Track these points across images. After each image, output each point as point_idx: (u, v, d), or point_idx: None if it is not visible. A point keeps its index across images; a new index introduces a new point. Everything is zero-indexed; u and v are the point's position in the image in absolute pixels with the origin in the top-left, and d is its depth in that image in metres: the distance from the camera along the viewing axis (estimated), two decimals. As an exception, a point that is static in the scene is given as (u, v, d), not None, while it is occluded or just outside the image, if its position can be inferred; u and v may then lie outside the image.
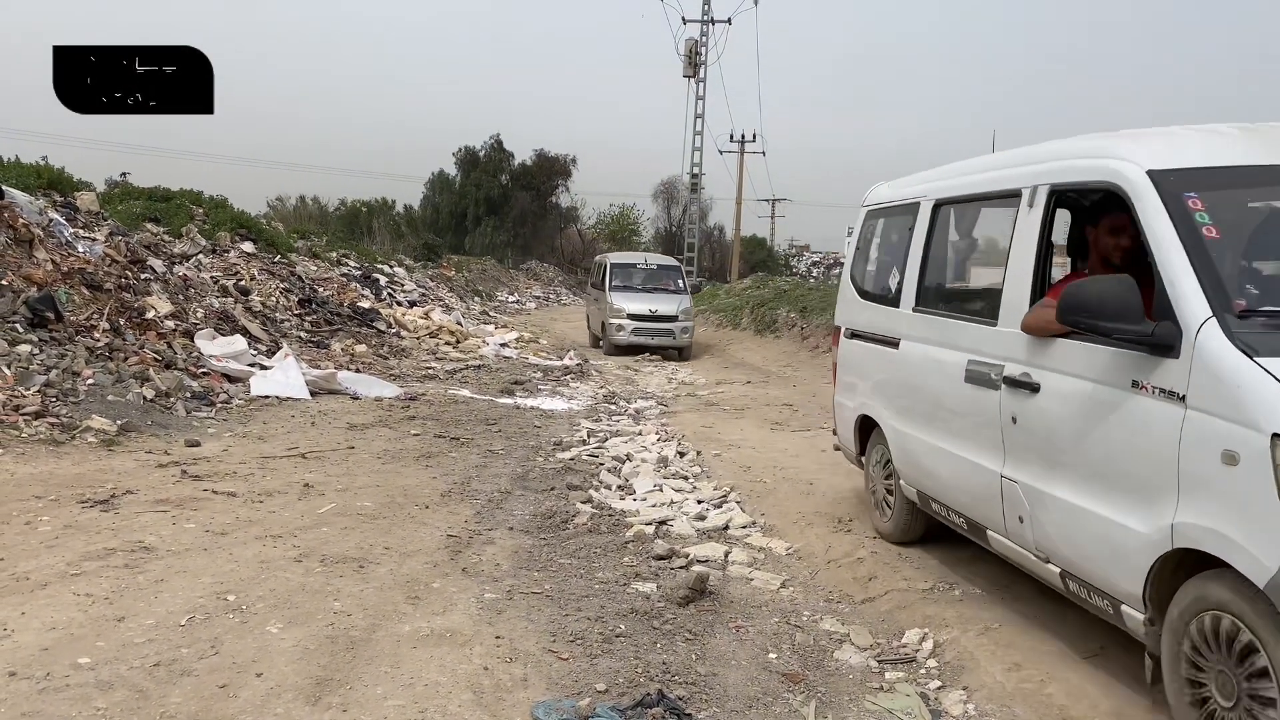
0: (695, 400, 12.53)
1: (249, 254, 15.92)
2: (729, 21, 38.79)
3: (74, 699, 3.28)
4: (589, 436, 9.17)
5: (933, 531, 5.36)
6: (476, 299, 30.38)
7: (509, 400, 11.28)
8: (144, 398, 8.41)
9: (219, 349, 10.59)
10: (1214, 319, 2.94)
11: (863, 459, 5.99)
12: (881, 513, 5.72)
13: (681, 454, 8.47)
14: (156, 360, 9.39)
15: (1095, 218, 3.99)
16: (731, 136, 44.26)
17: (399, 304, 20.22)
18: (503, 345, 17.12)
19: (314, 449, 7.72)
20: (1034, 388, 3.78)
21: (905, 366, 5.13)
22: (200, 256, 14.59)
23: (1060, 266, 4.73)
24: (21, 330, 8.57)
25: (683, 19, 39.69)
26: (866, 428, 5.82)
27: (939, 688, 3.88)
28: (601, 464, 7.91)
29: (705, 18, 38.59)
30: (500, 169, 51.04)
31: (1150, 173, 3.31)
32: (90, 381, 8.27)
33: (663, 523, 6.17)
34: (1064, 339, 3.63)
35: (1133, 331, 3.12)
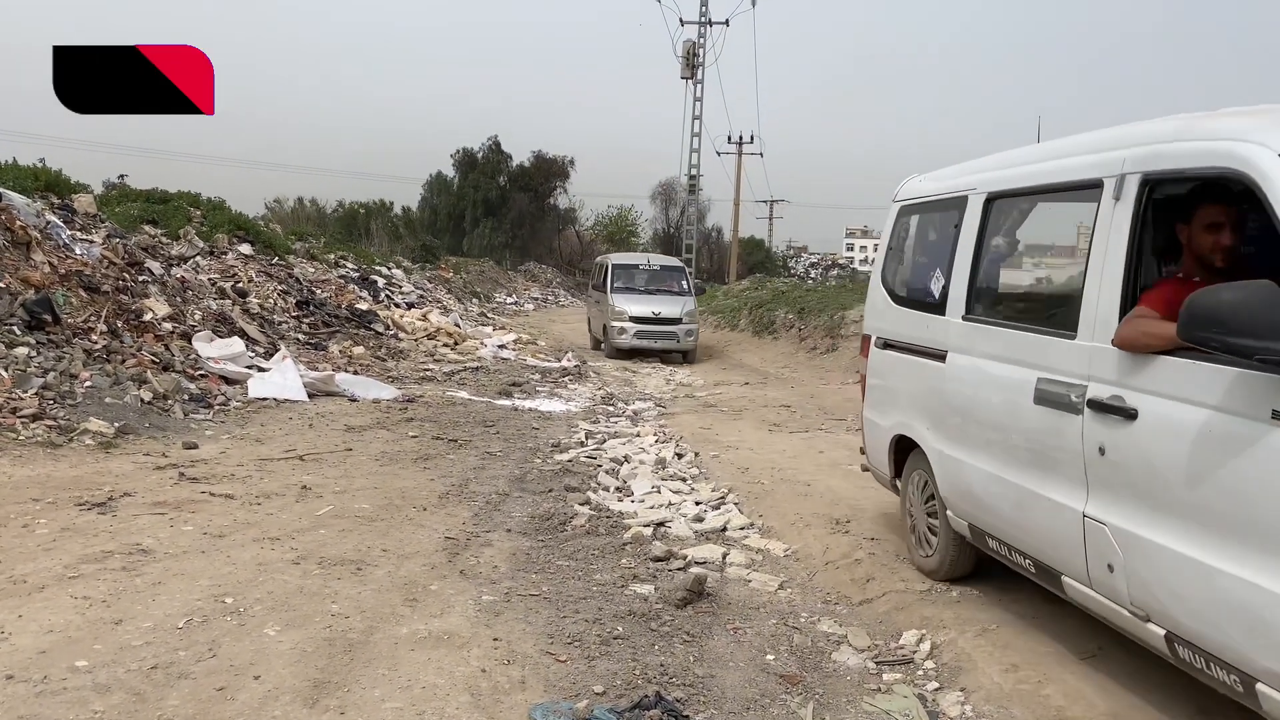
0: (693, 402, 12.54)
1: (247, 256, 15.91)
2: (726, 23, 38.67)
3: (71, 702, 3.28)
4: (587, 438, 9.17)
5: (984, 566, 4.77)
6: (474, 300, 30.37)
7: (507, 402, 11.28)
8: (141, 400, 8.40)
9: (217, 351, 10.59)
10: None
11: (898, 483, 5.35)
12: (922, 546, 5.06)
13: (679, 455, 8.48)
14: (154, 362, 9.39)
15: (1187, 212, 3.36)
16: (729, 138, 44.45)
17: (397, 306, 20.21)
18: (501, 347, 17.13)
19: (312, 451, 7.71)
20: (1129, 414, 3.19)
21: (954, 383, 4.50)
22: (198, 258, 14.58)
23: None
24: (19, 333, 8.56)
25: (680, 20, 39.67)
26: (903, 449, 5.19)
27: (936, 689, 3.89)
28: (599, 465, 7.91)
29: (703, 19, 38.56)
30: (498, 170, 51.06)
31: None
32: (88, 384, 8.26)
33: (661, 524, 6.17)
34: (1169, 356, 3.06)
35: None
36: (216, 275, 14.27)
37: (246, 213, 20.14)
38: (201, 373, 9.95)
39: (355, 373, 11.95)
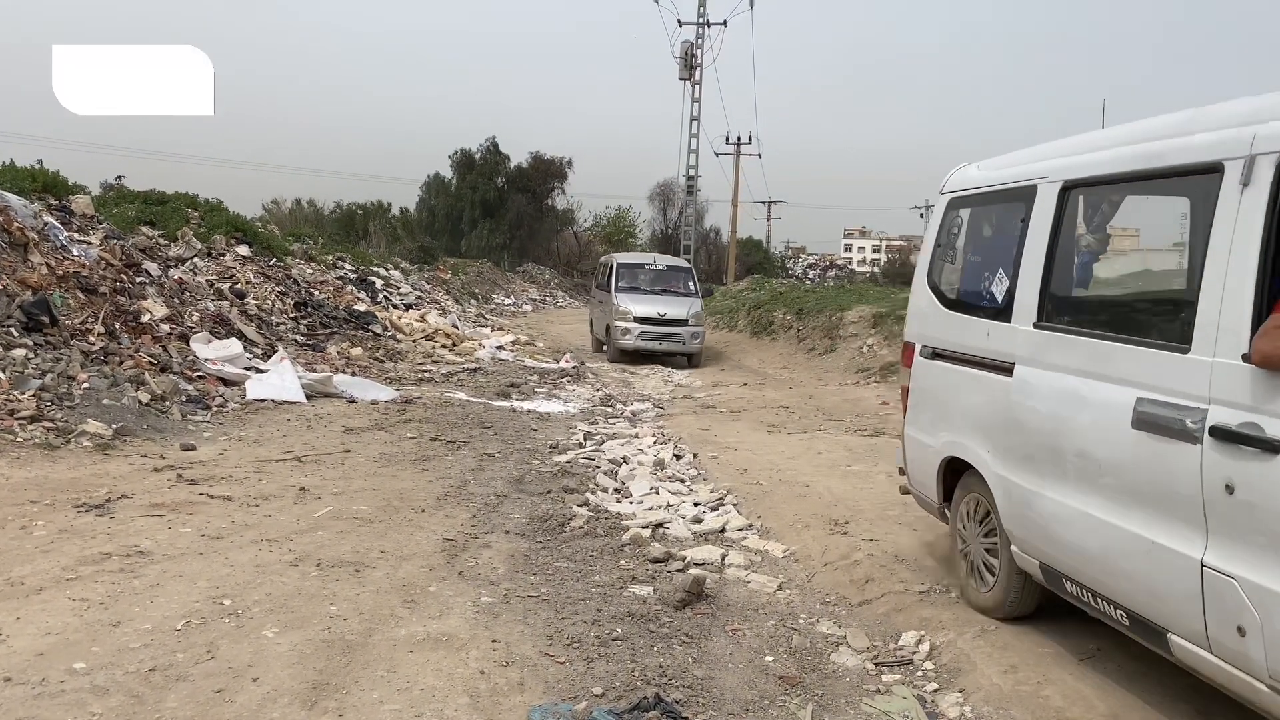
0: (692, 403, 12.54)
1: (244, 257, 15.90)
2: (724, 24, 38.69)
3: (69, 704, 3.27)
4: (585, 439, 9.16)
5: (1050, 603, 4.25)
6: (472, 301, 30.37)
7: (505, 403, 11.27)
8: (139, 401, 8.39)
9: (214, 352, 10.58)
10: None
11: (946, 510, 4.84)
12: (978, 581, 4.53)
13: (678, 456, 8.48)
14: (152, 364, 9.37)
15: None
16: (727, 139, 44.49)
17: (395, 307, 20.21)
18: (499, 348, 17.12)
19: (310, 452, 7.70)
20: (1271, 446, 2.69)
21: (1025, 400, 3.97)
22: (195, 260, 14.57)
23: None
24: (16, 334, 8.55)
25: (678, 21, 39.56)
26: (954, 471, 4.68)
27: (936, 690, 3.89)
28: (598, 467, 7.91)
29: (701, 20, 38.58)
30: (496, 172, 51.06)
31: None
32: (85, 385, 8.25)
33: (659, 525, 6.16)
34: None
35: None
36: (214, 276, 14.27)
37: (244, 214, 20.20)
38: (199, 374, 9.94)
39: (353, 374, 11.95)
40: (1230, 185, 2.98)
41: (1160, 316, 3.61)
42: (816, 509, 6.51)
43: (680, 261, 21.92)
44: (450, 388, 12.17)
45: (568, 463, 7.99)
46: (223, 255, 15.51)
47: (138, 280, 11.56)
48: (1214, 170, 3.06)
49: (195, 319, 11.63)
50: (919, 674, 4.05)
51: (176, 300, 11.85)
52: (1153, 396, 3.15)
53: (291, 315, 14.45)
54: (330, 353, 13.26)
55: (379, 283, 22.34)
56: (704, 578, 4.90)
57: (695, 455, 8.53)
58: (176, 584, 4.50)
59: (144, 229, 14.99)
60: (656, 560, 5.37)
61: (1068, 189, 3.93)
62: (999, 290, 4.32)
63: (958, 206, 5.02)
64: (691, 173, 39.15)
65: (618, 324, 17.26)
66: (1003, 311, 4.22)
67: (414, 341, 16.19)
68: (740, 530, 6.20)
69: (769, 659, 4.14)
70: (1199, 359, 3.00)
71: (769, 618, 4.66)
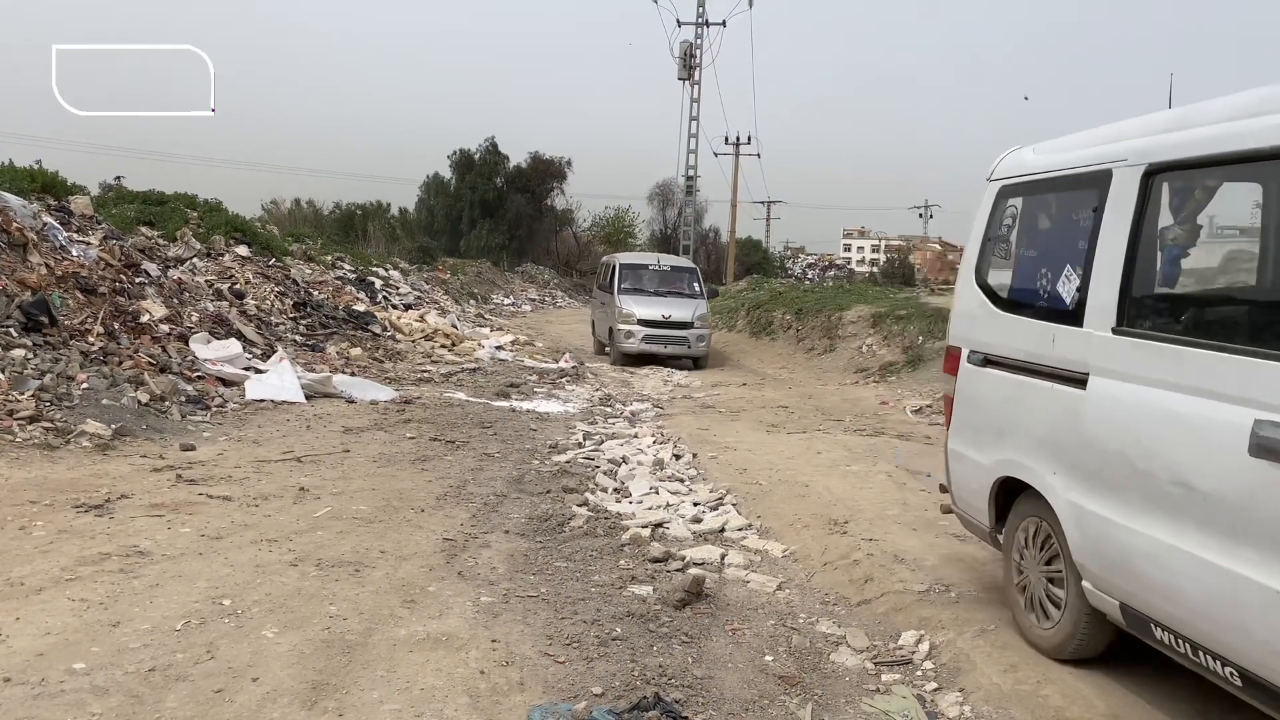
0: (691, 402, 12.54)
1: (244, 257, 15.90)
2: (723, 24, 38.68)
3: (69, 704, 3.27)
4: (585, 439, 9.16)
5: (1124, 644, 3.78)
6: (472, 302, 30.35)
7: (505, 403, 11.27)
8: (139, 402, 8.39)
9: (214, 353, 10.57)
10: None
11: (999, 534, 4.39)
12: (1038, 616, 4.05)
13: (677, 456, 8.48)
14: (151, 364, 9.37)
15: None
16: (726, 139, 44.46)
17: (394, 307, 20.20)
18: (498, 348, 17.10)
19: (309, 453, 7.70)
20: None
21: (1103, 418, 3.49)
22: (195, 260, 14.57)
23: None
24: (15, 334, 8.55)
25: (677, 21, 39.54)
26: (1009, 491, 4.24)
27: (935, 690, 3.89)
28: (597, 467, 7.91)
29: (700, 20, 38.59)
30: (495, 172, 51.02)
31: None
32: (85, 386, 8.24)
33: (659, 525, 6.17)
34: None
35: None
36: (213, 277, 14.27)
37: (243, 214, 20.18)
38: (199, 374, 9.94)
39: (352, 374, 11.95)
40: None
41: None
42: (816, 509, 6.51)
43: (685, 262, 21.34)
44: (449, 388, 12.18)
45: (567, 462, 7.99)
46: (222, 255, 15.51)
47: (137, 280, 11.56)
48: None
49: (194, 319, 11.63)
50: (918, 673, 4.05)
51: (176, 300, 11.84)
52: (1276, 419, 2.69)
53: (291, 315, 14.45)
54: (329, 353, 13.26)
55: (378, 283, 22.34)
56: (703, 577, 4.90)
57: (695, 455, 8.53)
58: (176, 584, 4.50)
59: (143, 229, 14.99)
60: (656, 560, 5.37)
61: (1155, 173, 3.44)
62: (1066, 290, 3.84)
63: (1010, 195, 4.52)
64: (690, 173, 39.17)
65: (621, 327, 16.69)
66: (1072, 314, 3.75)
67: (413, 341, 16.19)
68: (740, 530, 6.21)
69: (769, 658, 4.14)
70: None
71: (768, 617, 4.66)
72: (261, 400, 9.69)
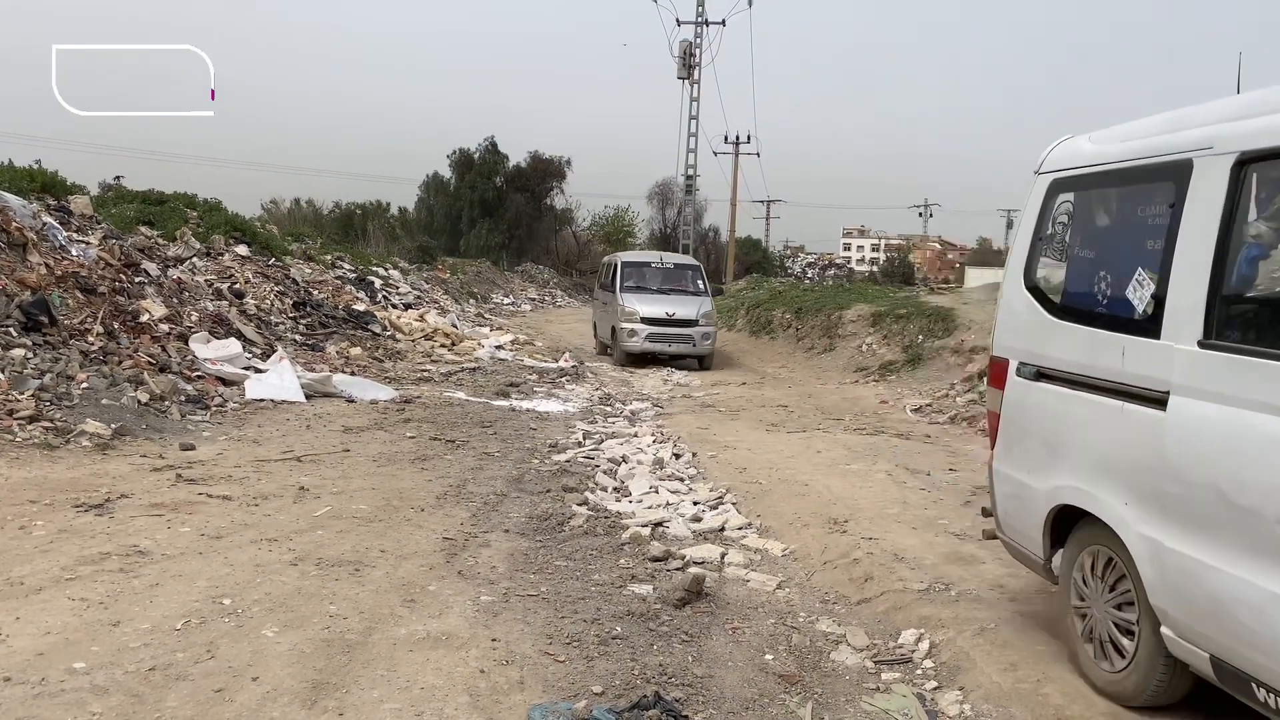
0: (691, 402, 12.54)
1: (244, 257, 15.90)
2: (723, 23, 38.55)
3: (69, 704, 3.27)
4: (584, 438, 9.17)
5: (1200, 691, 3.40)
6: (471, 301, 30.35)
7: (504, 402, 11.28)
8: (138, 401, 8.39)
9: (214, 352, 10.57)
10: None
11: (1053, 565, 3.94)
12: (1105, 657, 3.61)
13: (677, 455, 8.48)
14: (151, 364, 9.37)
15: None
16: (726, 138, 44.47)
17: (394, 306, 20.20)
18: (498, 347, 17.10)
19: (309, 452, 7.70)
20: None
21: (1190, 444, 3.08)
22: (194, 260, 14.57)
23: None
24: (15, 334, 8.55)
25: (677, 21, 39.51)
26: (1066, 519, 3.83)
27: (935, 688, 3.89)
28: (597, 466, 7.91)
29: (699, 19, 38.55)
30: (495, 171, 51.04)
31: None
32: (84, 385, 8.24)
33: (659, 524, 6.17)
34: None
35: None
36: (213, 276, 14.27)
37: (243, 214, 20.19)
38: (198, 374, 9.94)
39: (352, 374, 11.95)
40: None
41: None
42: (815, 507, 6.51)
43: (688, 259, 21.09)
44: (449, 387, 12.18)
45: (567, 462, 7.99)
46: (221, 255, 15.51)
47: (136, 280, 11.56)
48: None
49: (194, 319, 11.63)
50: (918, 672, 4.05)
51: (175, 300, 11.84)
52: None
53: (290, 315, 14.45)
54: (329, 352, 13.26)
55: (378, 282, 22.34)
56: (703, 576, 4.90)
57: (694, 454, 8.54)
58: (176, 583, 4.50)
59: (143, 229, 14.99)
60: (656, 559, 5.37)
61: (1246, 162, 3.00)
62: (1138, 296, 3.42)
63: (1063, 189, 4.08)
64: (690, 172, 39.12)
65: (624, 325, 16.30)
66: (1146, 324, 3.34)
67: (413, 341, 16.19)
68: (739, 529, 6.21)
69: (769, 657, 4.14)
70: None
71: (768, 616, 4.66)
72: (261, 400, 9.69)
